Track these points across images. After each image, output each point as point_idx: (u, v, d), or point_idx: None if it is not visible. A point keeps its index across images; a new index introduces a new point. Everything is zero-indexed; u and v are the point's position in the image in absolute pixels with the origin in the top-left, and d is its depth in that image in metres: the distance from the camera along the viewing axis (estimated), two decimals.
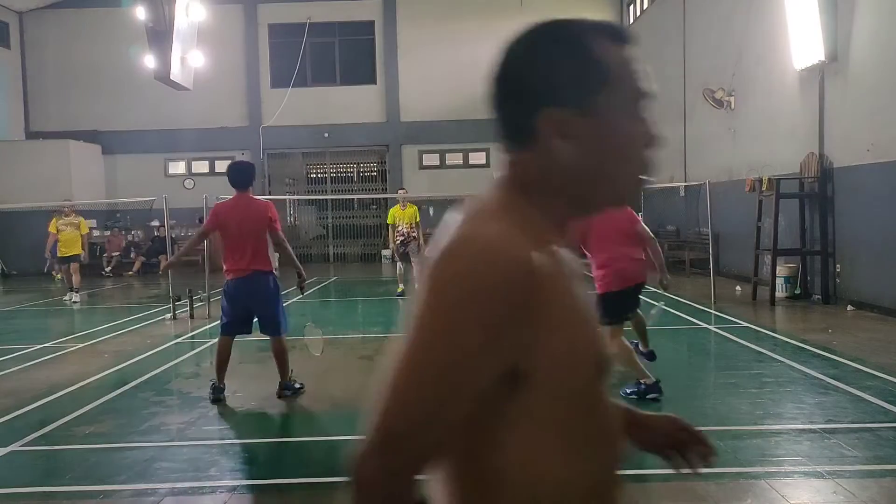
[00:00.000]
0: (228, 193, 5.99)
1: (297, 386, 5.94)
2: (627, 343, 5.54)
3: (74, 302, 12.58)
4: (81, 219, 13.11)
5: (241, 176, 5.84)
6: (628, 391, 5.39)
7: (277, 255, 6.00)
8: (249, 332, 5.89)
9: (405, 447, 0.89)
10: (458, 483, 0.98)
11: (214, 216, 5.83)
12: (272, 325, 5.81)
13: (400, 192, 12.91)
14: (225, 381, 5.75)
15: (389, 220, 12.42)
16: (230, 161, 6.34)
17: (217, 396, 5.66)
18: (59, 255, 12.96)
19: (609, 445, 1.04)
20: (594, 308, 1.05)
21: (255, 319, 5.88)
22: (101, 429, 5.07)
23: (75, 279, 12.92)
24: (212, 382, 5.75)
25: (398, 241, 12.21)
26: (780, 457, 4.16)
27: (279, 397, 5.78)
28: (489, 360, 0.90)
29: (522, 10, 20.76)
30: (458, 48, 20.94)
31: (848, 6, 9.48)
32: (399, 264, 12.33)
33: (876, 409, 5.03)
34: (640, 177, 1.03)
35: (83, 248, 13.14)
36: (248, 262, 5.62)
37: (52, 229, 12.93)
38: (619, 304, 5.37)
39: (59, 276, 17.21)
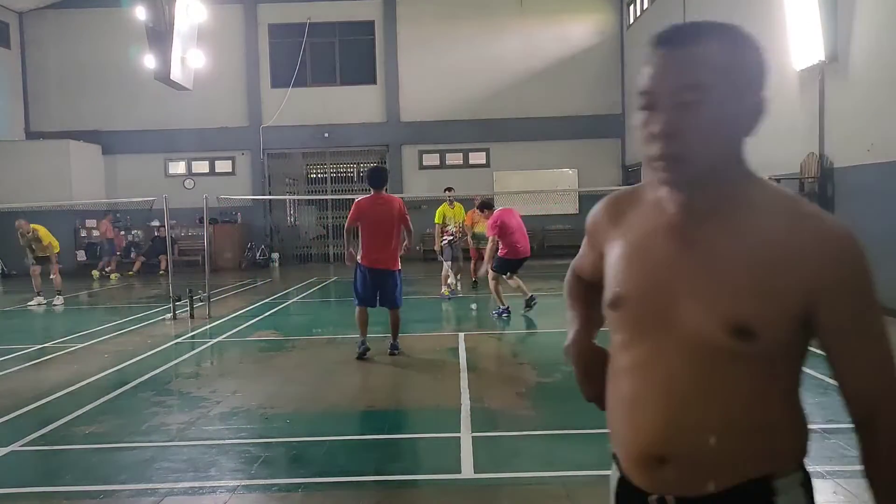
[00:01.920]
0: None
1: (399, 349, 7.29)
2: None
3: (56, 305, 12.38)
4: (39, 227, 12.69)
5: (373, 175, 7.26)
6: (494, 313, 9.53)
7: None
8: (375, 307, 7.20)
9: None
10: None
11: (356, 210, 7.06)
12: (391, 303, 7.18)
13: (447, 191, 12.49)
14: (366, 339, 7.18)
15: (437, 220, 12.08)
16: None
17: (362, 351, 7.07)
18: (33, 255, 12.68)
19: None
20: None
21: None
22: (101, 429, 5.07)
23: (56, 280, 12.65)
24: (358, 341, 7.16)
25: (445, 241, 11.93)
26: None
27: (390, 354, 7.18)
28: None
29: (522, 10, 20.80)
30: (458, 48, 20.96)
31: (848, 6, 9.48)
32: (447, 264, 11.89)
33: None
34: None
35: (46, 250, 12.69)
36: (382, 257, 6.97)
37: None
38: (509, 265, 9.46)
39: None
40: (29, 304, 12.36)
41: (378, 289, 7.08)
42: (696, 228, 1.21)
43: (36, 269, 12.70)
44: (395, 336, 7.32)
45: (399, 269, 7.17)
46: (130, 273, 18.17)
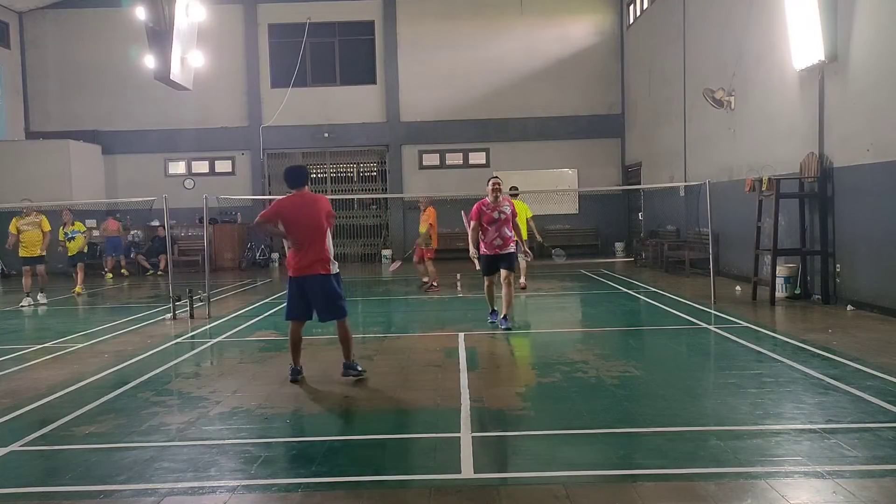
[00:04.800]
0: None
1: (360, 369, 6.38)
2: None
3: (41, 304, 12.37)
4: (44, 217, 12.73)
5: (292, 175, 6.42)
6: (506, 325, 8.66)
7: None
8: (311, 319, 6.40)
9: None
10: None
11: (275, 209, 6.31)
12: (333, 313, 6.30)
13: (513, 190, 12.13)
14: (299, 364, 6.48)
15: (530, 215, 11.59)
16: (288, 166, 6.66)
17: (293, 378, 6.32)
18: (21, 255, 12.63)
19: None
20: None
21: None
22: (101, 429, 5.07)
23: (41, 280, 12.70)
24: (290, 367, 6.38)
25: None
26: (780, 457, 4.16)
27: (344, 375, 6.32)
28: None
29: (522, 10, 20.80)
30: (458, 48, 20.96)
31: (848, 6, 9.48)
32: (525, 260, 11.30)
33: (876, 409, 5.03)
34: None
35: (44, 249, 12.68)
36: (310, 262, 6.17)
37: (12, 230, 12.56)
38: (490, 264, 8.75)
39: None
40: (21, 305, 12.28)
41: (311, 299, 6.22)
42: None
43: (29, 270, 12.66)
44: (347, 354, 6.40)
45: (334, 273, 6.27)
46: (160, 273, 18.06)
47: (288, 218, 6.20)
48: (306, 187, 6.41)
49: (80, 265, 14.16)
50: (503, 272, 8.66)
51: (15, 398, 5.98)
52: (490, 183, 8.76)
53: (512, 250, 8.68)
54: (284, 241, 6.42)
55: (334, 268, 6.29)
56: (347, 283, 13.93)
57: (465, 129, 21.01)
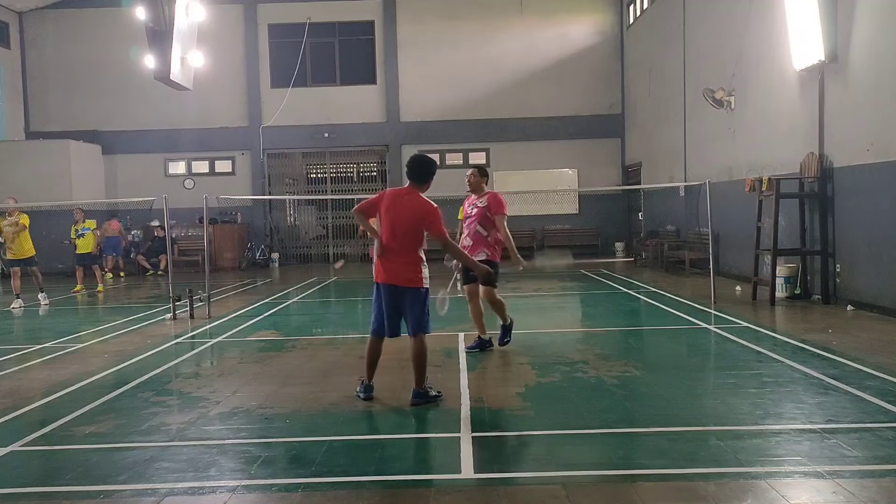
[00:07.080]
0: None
1: (434, 394, 5.53)
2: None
3: (44, 304, 12.29)
4: (24, 215, 12.38)
5: (415, 167, 5.58)
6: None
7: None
8: (392, 336, 5.60)
9: None
10: None
11: (378, 196, 5.55)
12: (413, 326, 5.48)
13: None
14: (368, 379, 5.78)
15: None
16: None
17: (365, 396, 5.66)
18: (7, 258, 12.47)
19: None
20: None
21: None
22: (101, 429, 5.06)
23: (37, 280, 12.55)
24: (359, 384, 5.78)
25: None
26: (780, 457, 4.16)
27: (412, 405, 5.42)
28: None
29: (522, 10, 20.80)
30: (458, 48, 20.97)
31: (848, 6, 9.48)
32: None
33: (876, 409, 5.02)
34: None
35: (27, 248, 12.39)
36: (395, 269, 5.40)
37: None
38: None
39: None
40: (12, 307, 12.09)
41: (395, 313, 5.47)
42: None
43: (17, 271, 12.53)
44: (419, 379, 5.48)
45: (424, 288, 5.42)
46: (160, 273, 18.06)
47: (382, 208, 5.44)
48: (424, 188, 5.53)
49: (94, 267, 14.75)
50: (468, 286, 7.22)
51: (15, 398, 5.98)
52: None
53: (483, 258, 6.86)
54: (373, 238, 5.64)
55: (426, 282, 5.44)
56: (348, 283, 13.90)
57: (465, 129, 21.02)
